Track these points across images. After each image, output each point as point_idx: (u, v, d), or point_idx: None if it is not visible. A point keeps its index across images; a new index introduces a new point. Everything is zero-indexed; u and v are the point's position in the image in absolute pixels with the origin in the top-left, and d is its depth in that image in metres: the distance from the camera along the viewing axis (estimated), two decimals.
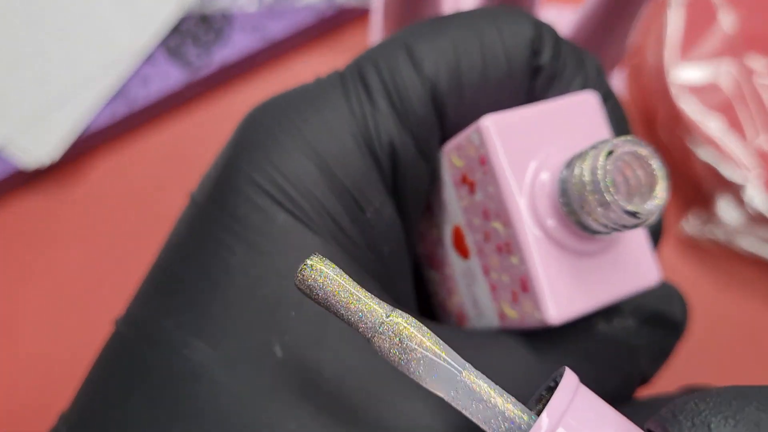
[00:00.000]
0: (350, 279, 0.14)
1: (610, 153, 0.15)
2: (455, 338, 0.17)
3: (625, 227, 0.15)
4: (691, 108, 0.32)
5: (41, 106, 0.33)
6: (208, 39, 0.34)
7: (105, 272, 0.33)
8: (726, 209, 0.32)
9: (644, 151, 0.15)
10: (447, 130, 0.18)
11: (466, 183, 0.18)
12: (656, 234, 0.20)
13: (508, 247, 0.17)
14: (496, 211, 0.17)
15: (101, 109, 0.33)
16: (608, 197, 0.15)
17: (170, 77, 0.34)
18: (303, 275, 0.14)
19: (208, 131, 0.35)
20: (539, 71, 0.19)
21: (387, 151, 0.18)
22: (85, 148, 0.34)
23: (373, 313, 0.14)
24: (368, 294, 0.14)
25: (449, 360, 0.14)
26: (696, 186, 0.33)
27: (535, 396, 0.15)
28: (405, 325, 0.14)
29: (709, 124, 0.32)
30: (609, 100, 0.19)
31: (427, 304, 0.22)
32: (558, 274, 0.16)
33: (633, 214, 0.15)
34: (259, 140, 0.18)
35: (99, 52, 0.34)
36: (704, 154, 0.31)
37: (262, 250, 0.17)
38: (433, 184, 0.19)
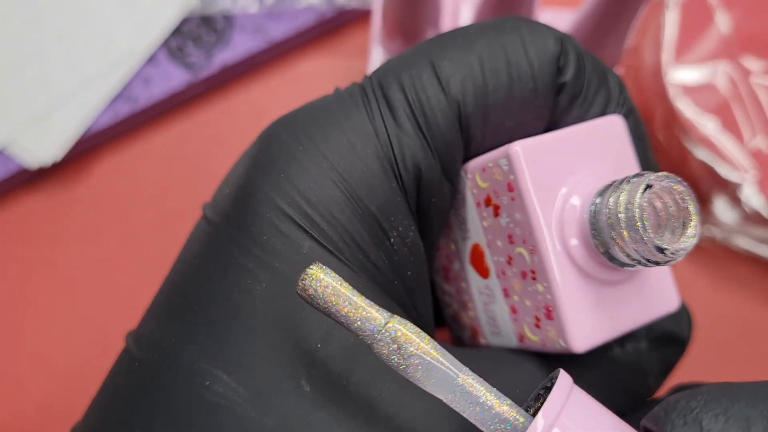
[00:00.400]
0: (350, 287, 0.14)
1: (646, 188, 0.15)
2: (479, 359, 0.17)
3: (650, 262, 0.15)
4: (687, 108, 0.32)
5: (44, 106, 0.33)
6: (209, 40, 0.35)
7: (107, 272, 0.33)
8: (722, 209, 0.32)
9: (680, 187, 0.15)
10: (471, 150, 0.18)
11: (491, 205, 0.18)
12: None
13: (534, 274, 0.17)
14: (522, 237, 0.17)
15: (103, 109, 0.33)
16: (644, 235, 0.15)
17: (172, 78, 0.34)
18: (304, 284, 0.14)
19: (210, 131, 0.35)
20: (563, 88, 0.18)
21: (412, 173, 0.17)
22: (88, 148, 0.34)
23: (372, 320, 0.14)
24: (367, 301, 0.14)
25: (446, 364, 0.14)
26: (692, 186, 0.33)
27: (533, 395, 0.15)
28: (403, 330, 0.14)
29: (706, 124, 0.32)
30: (630, 116, 0.19)
31: (439, 315, 0.22)
32: (583, 303, 0.16)
33: (664, 251, 0.15)
34: (281, 160, 0.17)
35: (101, 53, 0.34)
36: (701, 154, 0.32)
37: (288, 279, 0.16)
38: (453, 201, 0.19)
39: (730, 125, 0.32)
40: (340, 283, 0.14)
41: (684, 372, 0.32)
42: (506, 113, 0.18)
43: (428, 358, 0.14)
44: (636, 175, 0.15)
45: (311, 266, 0.14)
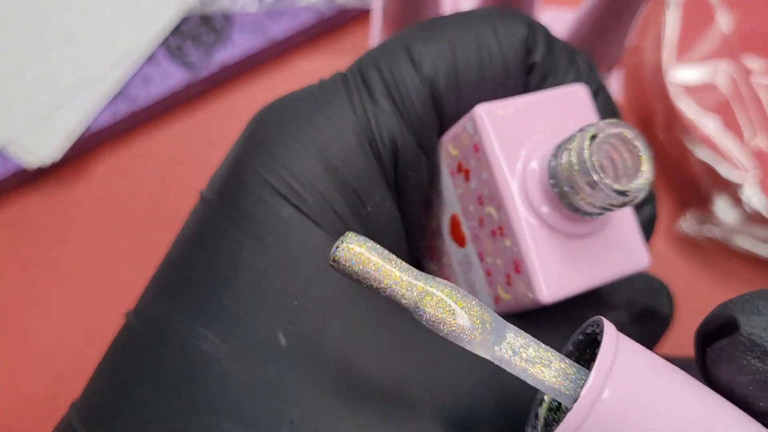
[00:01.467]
0: (384, 252, 0.14)
1: (595, 135, 0.15)
2: None
3: (614, 206, 0.16)
4: (688, 108, 0.32)
5: (44, 106, 0.33)
6: (208, 39, 0.35)
7: (107, 270, 0.33)
8: (723, 208, 0.32)
9: (629, 132, 0.16)
10: (446, 127, 0.19)
11: (462, 171, 0.19)
12: (650, 220, 0.21)
13: (501, 230, 0.17)
14: (490, 196, 0.18)
15: (103, 108, 0.33)
16: (595, 177, 0.15)
17: (171, 77, 0.34)
18: (338, 255, 0.14)
19: (209, 131, 0.35)
20: (533, 68, 0.19)
21: (389, 147, 0.18)
22: (87, 147, 0.34)
23: (411, 288, 0.14)
24: (403, 266, 0.14)
25: (492, 324, 0.14)
26: (693, 185, 0.33)
27: (572, 340, 0.15)
28: (441, 297, 0.14)
29: (707, 123, 0.32)
30: (600, 94, 0.20)
31: None
32: (549, 254, 0.17)
33: (620, 193, 0.15)
34: (266, 139, 0.18)
35: (101, 52, 0.34)
36: (702, 153, 0.32)
37: (268, 243, 0.17)
38: (432, 177, 0.20)
39: (731, 125, 0.32)
40: (372, 250, 0.14)
41: None
42: (478, 91, 0.19)
43: (468, 323, 0.14)
44: (587, 125, 0.16)
45: (344, 237, 0.14)
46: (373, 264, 0.14)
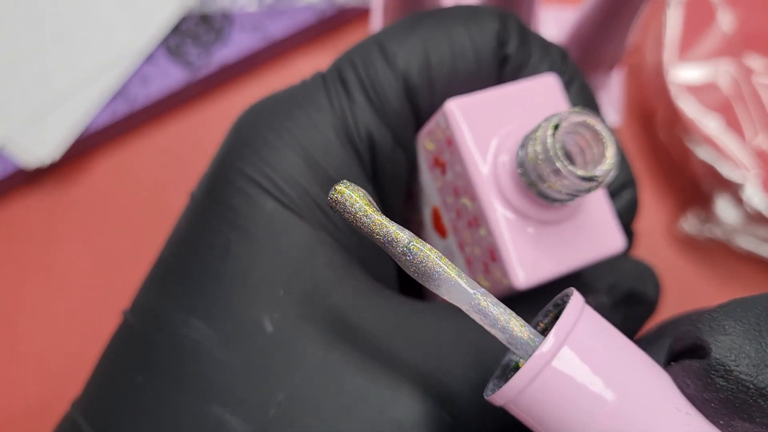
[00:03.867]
0: (371, 206, 0.15)
1: (558, 124, 0.16)
2: (415, 309, 0.18)
3: (581, 192, 0.16)
4: (689, 107, 0.32)
5: (42, 105, 0.33)
6: (208, 39, 0.34)
7: (105, 270, 0.33)
8: (725, 208, 0.32)
9: (591, 120, 0.16)
10: (422, 120, 0.20)
11: (438, 165, 0.19)
12: (631, 205, 0.21)
13: (477, 220, 0.18)
14: (464, 187, 0.18)
15: (102, 108, 0.33)
16: (558, 165, 0.16)
17: (170, 77, 0.34)
18: (333, 198, 0.15)
19: (208, 130, 0.35)
20: (507, 60, 0.20)
21: (366, 141, 0.19)
22: (86, 147, 0.34)
23: (397, 240, 0.15)
24: (387, 220, 0.15)
25: (463, 284, 0.15)
26: (695, 185, 0.33)
27: (542, 312, 0.16)
28: (427, 246, 0.15)
29: (708, 123, 0.32)
30: (575, 82, 0.21)
31: (417, 286, 0.24)
32: (523, 241, 0.17)
33: (585, 179, 0.16)
34: (249, 138, 0.19)
35: (99, 52, 0.34)
36: (703, 153, 0.32)
37: (253, 235, 0.18)
38: (412, 171, 0.20)
39: (733, 124, 0.32)
40: (363, 198, 0.15)
41: None
42: (451, 85, 0.19)
43: (449, 278, 0.14)
44: (552, 115, 0.16)
45: (339, 183, 0.15)
46: (367, 210, 0.15)
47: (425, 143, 0.19)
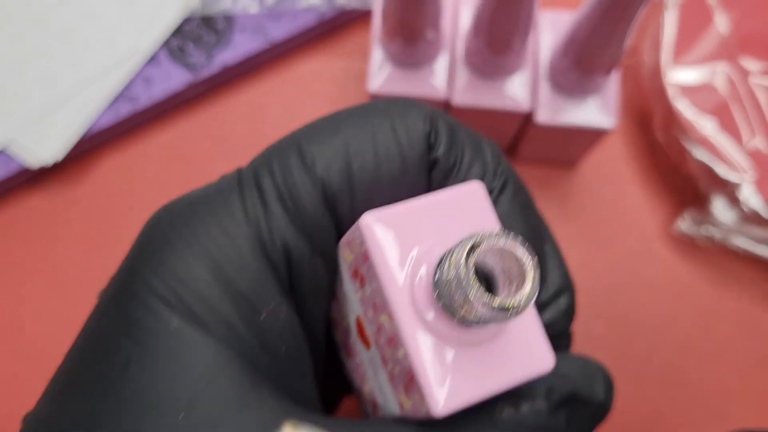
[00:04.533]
0: None
1: (472, 249, 0.15)
2: (350, 429, 0.17)
3: (499, 320, 0.15)
4: (686, 109, 0.32)
5: (46, 106, 0.33)
6: (210, 40, 0.35)
7: (108, 271, 0.33)
8: (721, 209, 0.32)
9: (509, 244, 0.15)
10: (343, 228, 0.19)
11: (358, 277, 0.18)
12: (567, 311, 0.20)
13: (394, 340, 0.17)
14: (382, 304, 0.17)
15: (105, 109, 0.33)
16: (470, 295, 0.14)
17: (173, 78, 0.34)
18: None
19: (210, 131, 0.35)
20: (436, 163, 0.19)
21: (281, 252, 0.18)
22: (89, 147, 0.34)
23: None
24: None
25: None
26: (691, 186, 0.34)
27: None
28: None
29: (705, 124, 0.32)
30: (508, 185, 0.19)
31: (340, 404, 0.23)
32: (441, 365, 0.16)
33: (502, 309, 0.14)
34: (159, 246, 0.18)
35: (102, 53, 0.34)
36: (699, 154, 0.32)
37: (155, 353, 0.17)
38: (333, 280, 0.19)
39: (729, 126, 0.32)
40: None
41: (683, 369, 0.32)
42: (374, 191, 0.18)
43: None
44: (467, 237, 0.15)
45: (287, 423, 0.14)
46: None
47: (345, 254, 0.18)
